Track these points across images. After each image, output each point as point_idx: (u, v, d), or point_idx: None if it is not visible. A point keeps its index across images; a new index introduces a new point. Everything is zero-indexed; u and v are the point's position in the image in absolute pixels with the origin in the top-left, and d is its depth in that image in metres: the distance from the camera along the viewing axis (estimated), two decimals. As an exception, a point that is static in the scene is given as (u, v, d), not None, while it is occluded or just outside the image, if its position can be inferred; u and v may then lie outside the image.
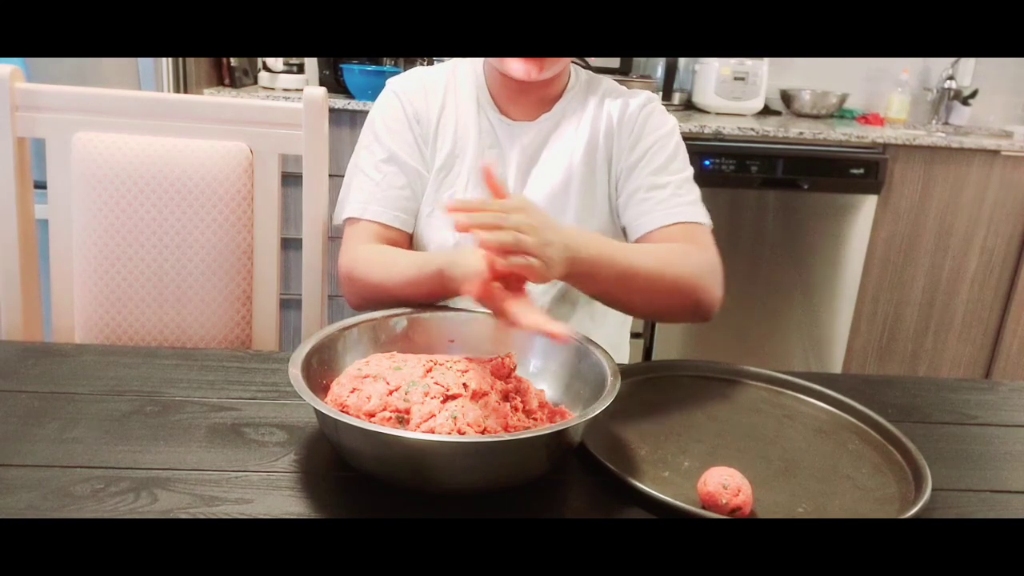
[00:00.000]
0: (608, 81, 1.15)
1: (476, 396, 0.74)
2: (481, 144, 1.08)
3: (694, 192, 1.08)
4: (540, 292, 1.09)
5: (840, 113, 2.86)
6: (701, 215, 1.06)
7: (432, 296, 0.94)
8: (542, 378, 0.86)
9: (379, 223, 1.06)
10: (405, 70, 1.31)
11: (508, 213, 0.79)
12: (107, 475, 0.70)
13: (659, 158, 1.07)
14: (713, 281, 1.00)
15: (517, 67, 1.01)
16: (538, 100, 1.10)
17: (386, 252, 1.03)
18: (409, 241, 1.10)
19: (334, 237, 1.13)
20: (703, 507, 0.69)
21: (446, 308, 0.93)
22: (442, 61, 1.17)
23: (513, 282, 0.82)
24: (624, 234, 1.15)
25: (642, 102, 1.10)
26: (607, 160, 1.10)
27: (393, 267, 0.98)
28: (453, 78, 1.11)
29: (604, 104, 1.11)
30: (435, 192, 1.09)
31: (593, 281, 0.91)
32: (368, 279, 1.00)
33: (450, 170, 1.08)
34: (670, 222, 1.04)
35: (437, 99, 1.09)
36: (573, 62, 1.14)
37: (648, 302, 0.98)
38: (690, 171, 1.09)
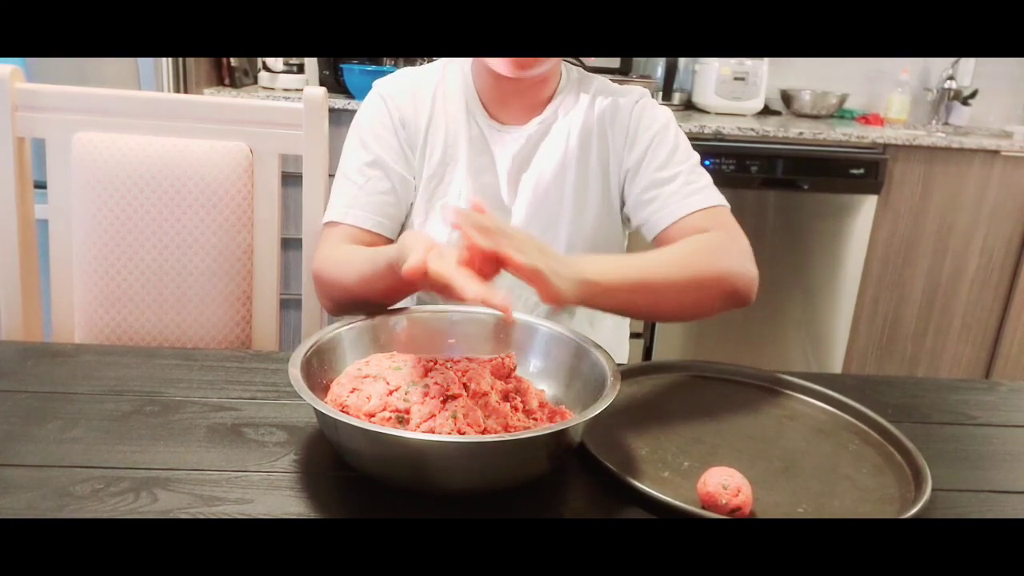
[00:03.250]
0: (599, 79, 1.13)
1: (476, 396, 0.74)
2: (472, 151, 1.07)
3: (705, 177, 1.06)
4: (536, 301, 1.08)
5: (840, 113, 2.87)
6: (718, 198, 1.04)
7: (393, 292, 0.91)
8: (542, 378, 0.85)
9: (360, 228, 1.04)
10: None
11: (504, 229, 0.75)
12: (107, 475, 0.70)
13: (662, 152, 1.06)
14: (746, 265, 0.97)
15: (503, 64, 0.99)
16: (528, 102, 1.08)
17: (347, 250, 1.01)
18: None
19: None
20: (703, 507, 0.69)
21: (446, 308, 0.93)
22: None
23: (485, 269, 0.75)
24: (626, 232, 1.15)
25: (633, 99, 1.09)
26: (601, 161, 1.08)
27: (349, 264, 0.96)
28: (442, 82, 1.09)
29: (595, 103, 1.09)
30: (427, 201, 1.07)
31: (613, 302, 0.88)
32: (331, 279, 0.98)
33: (441, 178, 1.07)
34: (689, 211, 1.02)
35: (425, 104, 1.07)
36: (566, 61, 1.14)
37: (680, 307, 0.95)
38: (696, 157, 1.07)
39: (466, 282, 0.70)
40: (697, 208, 1.02)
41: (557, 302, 0.78)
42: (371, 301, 0.92)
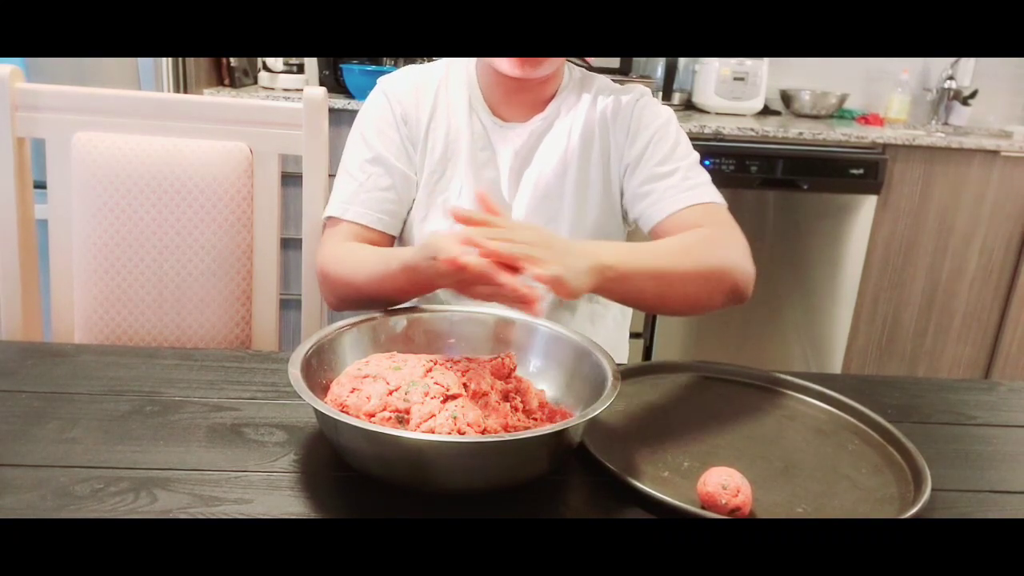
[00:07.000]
0: (601, 79, 1.14)
1: (476, 396, 0.74)
2: (473, 147, 1.07)
3: (703, 175, 1.06)
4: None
5: (840, 113, 2.86)
6: (715, 195, 1.05)
7: (402, 293, 0.92)
8: (542, 378, 0.86)
9: (360, 224, 1.05)
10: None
11: (515, 231, 0.78)
12: (107, 475, 0.70)
13: (662, 149, 1.06)
14: (746, 261, 0.98)
15: (509, 64, 1.00)
16: (531, 100, 1.09)
17: (356, 249, 1.02)
18: (391, 244, 1.09)
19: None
20: (703, 507, 0.69)
21: (446, 308, 0.93)
22: (442, 60, 1.17)
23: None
24: (625, 227, 1.15)
25: (635, 97, 1.09)
26: (602, 158, 1.09)
27: (361, 264, 0.97)
28: (445, 79, 1.10)
29: (597, 102, 1.10)
30: (428, 196, 1.08)
31: (627, 288, 0.89)
32: (339, 276, 0.99)
33: (442, 174, 1.08)
34: (686, 205, 1.02)
35: (428, 101, 1.08)
36: (569, 60, 1.14)
37: (685, 298, 0.95)
38: (695, 155, 1.08)
39: (501, 275, 0.74)
40: (694, 203, 1.03)
41: (575, 297, 0.81)
42: (380, 300, 0.92)
